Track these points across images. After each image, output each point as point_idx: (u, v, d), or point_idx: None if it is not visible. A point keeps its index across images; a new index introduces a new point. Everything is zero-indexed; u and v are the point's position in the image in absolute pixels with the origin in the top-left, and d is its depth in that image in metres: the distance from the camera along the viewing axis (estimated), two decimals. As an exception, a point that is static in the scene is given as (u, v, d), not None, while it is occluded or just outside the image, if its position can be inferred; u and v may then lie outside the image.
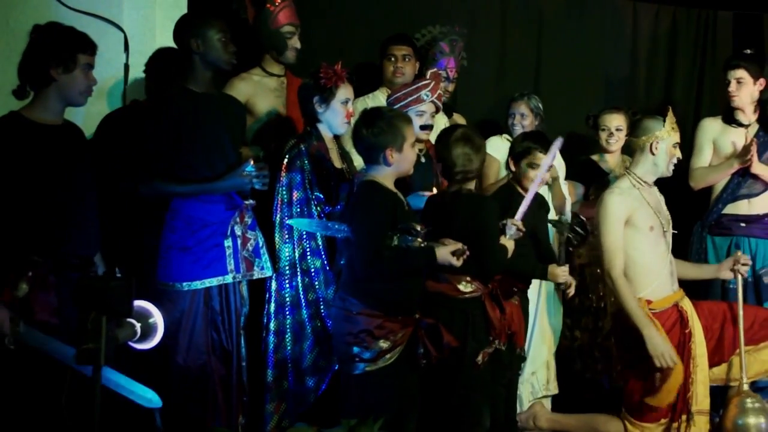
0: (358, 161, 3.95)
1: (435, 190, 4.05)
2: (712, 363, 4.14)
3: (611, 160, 5.06)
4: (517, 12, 5.80)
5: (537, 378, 4.61)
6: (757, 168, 4.78)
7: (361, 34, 5.39)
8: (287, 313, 3.99)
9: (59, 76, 3.34)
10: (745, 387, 4.13)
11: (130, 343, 2.90)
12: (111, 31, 4.52)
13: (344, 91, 4.05)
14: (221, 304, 3.85)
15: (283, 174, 4.00)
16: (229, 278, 3.84)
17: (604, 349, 4.73)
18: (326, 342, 3.92)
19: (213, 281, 3.80)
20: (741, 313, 4.14)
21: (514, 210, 3.88)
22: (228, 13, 4.45)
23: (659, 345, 3.95)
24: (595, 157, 5.10)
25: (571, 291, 4.25)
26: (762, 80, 4.86)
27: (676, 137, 4.13)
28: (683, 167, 4.32)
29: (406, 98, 4.21)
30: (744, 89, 4.84)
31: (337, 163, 4.08)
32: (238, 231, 3.85)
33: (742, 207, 4.87)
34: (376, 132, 3.50)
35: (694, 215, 4.95)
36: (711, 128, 4.99)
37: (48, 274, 3.30)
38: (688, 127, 5.22)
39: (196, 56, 3.76)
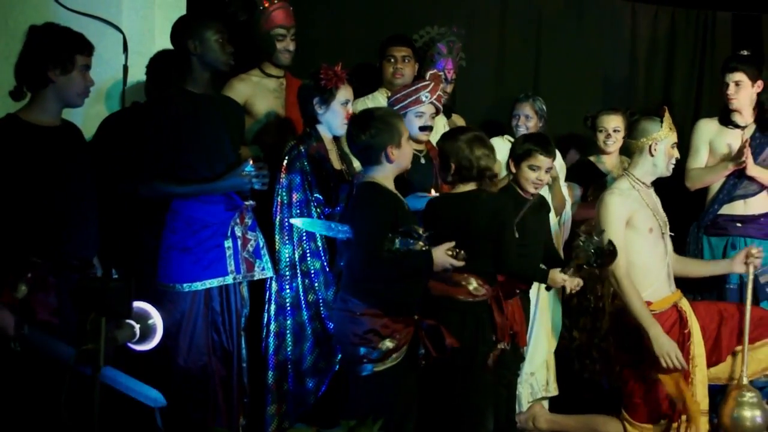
0: (358, 163, 3.95)
1: (433, 192, 4.05)
2: (710, 363, 4.14)
3: (609, 161, 5.06)
4: (516, 13, 5.80)
5: (536, 379, 4.62)
6: (753, 170, 4.78)
7: (360, 35, 5.39)
8: (287, 314, 4.00)
9: (57, 78, 3.34)
10: (745, 381, 4.14)
11: (129, 345, 2.90)
12: (110, 32, 4.52)
13: (344, 92, 4.05)
14: (222, 304, 3.85)
15: (283, 175, 4.00)
16: (229, 279, 3.84)
17: (603, 350, 4.73)
18: (326, 343, 3.92)
19: (213, 282, 3.80)
20: (749, 306, 4.14)
21: (508, 210, 3.88)
22: (226, 14, 4.45)
23: (665, 344, 3.95)
24: (592, 158, 5.10)
25: (573, 288, 4.23)
26: (760, 82, 4.86)
27: (673, 137, 4.14)
28: (679, 168, 4.33)
29: (406, 99, 4.21)
30: (742, 92, 4.84)
31: (337, 165, 4.07)
32: (238, 232, 3.86)
33: (738, 207, 4.88)
34: (374, 133, 3.51)
35: (691, 216, 4.95)
36: (707, 129, 4.99)
37: (47, 275, 3.30)
38: (687, 128, 5.22)
39: (193, 57, 3.77)
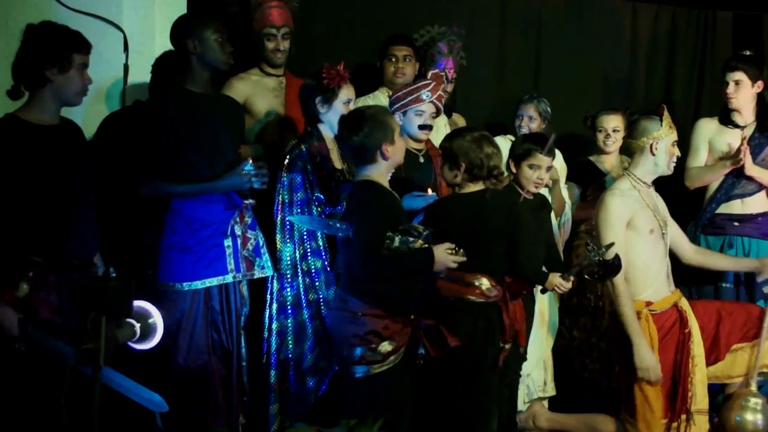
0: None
1: (430, 191, 4.04)
2: (709, 362, 4.14)
3: (609, 161, 5.06)
4: (517, 12, 5.80)
5: (532, 379, 4.62)
6: (752, 170, 4.78)
7: (361, 34, 5.39)
8: (288, 313, 4.00)
9: (54, 77, 3.33)
10: (753, 387, 4.15)
11: (130, 344, 2.90)
12: (110, 31, 4.52)
13: (346, 92, 4.05)
14: (221, 303, 3.86)
15: (284, 174, 4.01)
16: (229, 278, 3.84)
17: (602, 349, 4.73)
18: (326, 342, 3.92)
19: (213, 281, 3.81)
20: None
21: (521, 210, 3.89)
22: (226, 13, 4.45)
23: (647, 359, 3.96)
24: (592, 158, 5.10)
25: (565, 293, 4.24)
26: (760, 82, 4.86)
27: (674, 136, 4.13)
28: (678, 167, 4.33)
29: (407, 97, 4.22)
30: (742, 91, 4.84)
31: (338, 164, 4.08)
32: (238, 231, 3.86)
33: (735, 206, 4.88)
34: (368, 132, 3.50)
35: (689, 215, 4.95)
36: (707, 129, 4.99)
37: (48, 274, 3.30)
38: (687, 128, 5.21)
39: (193, 57, 3.77)
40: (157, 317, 2.90)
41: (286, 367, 4.00)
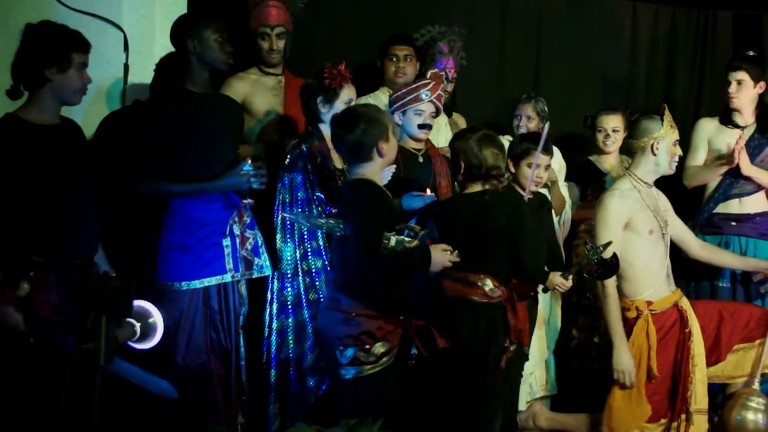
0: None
1: (429, 191, 4.04)
2: (710, 362, 4.14)
3: (608, 161, 5.06)
4: (517, 12, 5.80)
5: (535, 378, 4.62)
6: (749, 170, 4.77)
7: (361, 34, 5.39)
8: (289, 313, 4.01)
9: (54, 76, 3.33)
10: (756, 386, 4.15)
11: (130, 343, 2.90)
12: (110, 31, 4.53)
13: (348, 92, 4.06)
14: (220, 303, 3.86)
15: (285, 174, 4.01)
16: (227, 277, 3.84)
17: (602, 348, 4.73)
18: (326, 342, 3.92)
19: (212, 280, 3.81)
20: None
21: (522, 210, 3.89)
22: (226, 13, 4.45)
23: (625, 361, 3.97)
24: (592, 158, 5.10)
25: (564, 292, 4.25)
26: (762, 83, 4.85)
27: (675, 135, 4.12)
28: (679, 166, 4.33)
29: (406, 97, 4.22)
30: (744, 91, 4.84)
31: (339, 164, 4.08)
32: (236, 230, 3.86)
33: (733, 206, 4.87)
34: (364, 129, 3.49)
35: (688, 215, 4.95)
36: (707, 128, 4.99)
37: (49, 274, 3.30)
38: (687, 128, 5.21)
39: (193, 57, 3.77)
40: (157, 317, 2.90)
41: (287, 366, 4.00)
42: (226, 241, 3.83)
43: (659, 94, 5.94)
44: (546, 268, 4.12)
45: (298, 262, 4.00)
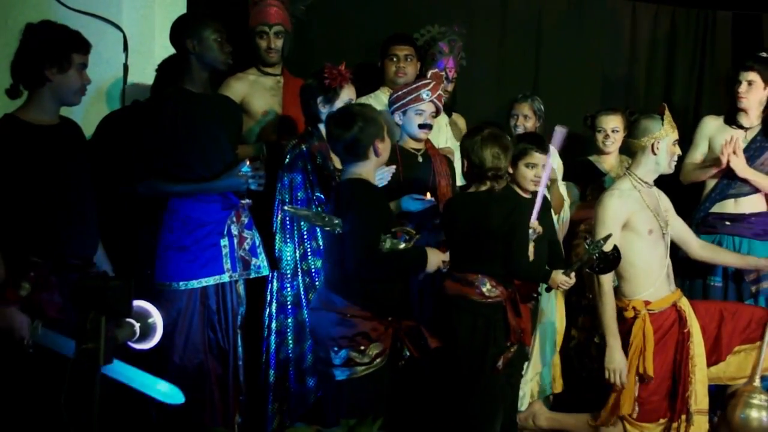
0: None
1: (429, 195, 4.04)
2: (710, 362, 4.15)
3: (608, 161, 5.06)
4: (517, 12, 5.80)
5: (542, 376, 4.63)
6: (746, 173, 4.77)
7: (361, 34, 5.39)
8: (288, 313, 4.01)
9: (53, 76, 3.33)
10: (757, 383, 4.16)
11: (130, 344, 2.90)
12: (110, 31, 4.53)
13: (348, 92, 4.06)
14: (218, 303, 3.86)
15: (285, 174, 4.01)
16: (225, 277, 3.84)
17: (601, 348, 4.73)
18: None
19: (210, 280, 3.81)
20: None
21: (519, 211, 3.88)
22: (225, 13, 4.45)
23: (617, 360, 3.99)
24: (592, 158, 5.10)
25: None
26: None
27: (675, 134, 4.13)
28: (679, 165, 4.34)
29: (406, 97, 4.21)
30: (753, 92, 4.83)
31: (338, 164, 4.07)
32: (234, 230, 3.86)
33: (728, 206, 4.87)
34: (361, 127, 3.49)
35: (687, 214, 4.95)
36: (710, 126, 4.99)
37: (49, 274, 3.30)
38: (687, 128, 5.21)
39: (192, 57, 3.77)
40: (156, 317, 2.90)
41: (286, 366, 4.00)
42: (224, 242, 3.83)
43: (659, 94, 5.93)
44: (547, 267, 4.12)
45: (298, 262, 4.00)
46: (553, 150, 4.57)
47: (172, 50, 3.95)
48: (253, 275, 3.94)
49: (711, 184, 4.91)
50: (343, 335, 3.47)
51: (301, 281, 4.00)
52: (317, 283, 3.96)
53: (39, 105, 3.37)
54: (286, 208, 3.93)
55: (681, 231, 4.31)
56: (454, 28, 5.03)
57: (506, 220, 3.73)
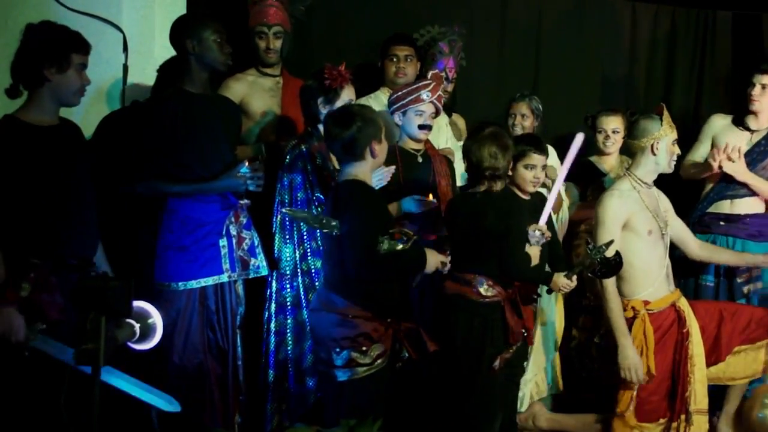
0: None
1: (431, 196, 4.04)
2: (709, 363, 4.15)
3: (608, 162, 5.06)
4: (517, 12, 5.79)
5: (542, 377, 4.63)
6: (746, 176, 4.76)
7: (361, 34, 5.39)
8: (288, 313, 4.01)
9: (53, 76, 3.33)
10: None
11: (129, 344, 2.90)
12: (110, 31, 4.53)
13: (348, 92, 4.06)
14: (217, 303, 3.87)
15: (284, 175, 4.01)
16: (224, 277, 3.85)
17: (602, 348, 4.72)
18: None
19: (209, 281, 3.82)
20: None
21: (515, 212, 3.88)
22: (225, 13, 4.45)
23: (630, 357, 3.98)
24: (592, 159, 5.10)
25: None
26: None
27: (674, 134, 4.13)
28: (676, 166, 4.33)
29: (406, 97, 4.21)
30: (766, 95, 4.83)
31: (338, 164, 4.07)
32: (233, 230, 3.87)
33: (724, 206, 4.88)
34: (360, 127, 3.49)
35: (685, 214, 4.95)
36: (716, 125, 4.99)
37: (49, 275, 3.30)
38: (687, 128, 5.21)
39: (192, 57, 3.77)
40: (156, 317, 2.91)
41: (285, 366, 4.00)
42: (223, 242, 3.83)
43: (659, 95, 5.93)
44: (548, 268, 4.12)
45: (298, 262, 4.00)
46: (552, 150, 4.58)
47: (172, 51, 3.95)
48: (252, 275, 3.95)
49: (710, 184, 4.91)
50: (345, 336, 3.47)
51: (300, 281, 4.00)
52: (317, 283, 3.96)
53: (38, 105, 3.37)
54: (284, 210, 3.93)
55: (680, 231, 4.32)
56: (454, 28, 5.03)
57: (502, 221, 3.73)
